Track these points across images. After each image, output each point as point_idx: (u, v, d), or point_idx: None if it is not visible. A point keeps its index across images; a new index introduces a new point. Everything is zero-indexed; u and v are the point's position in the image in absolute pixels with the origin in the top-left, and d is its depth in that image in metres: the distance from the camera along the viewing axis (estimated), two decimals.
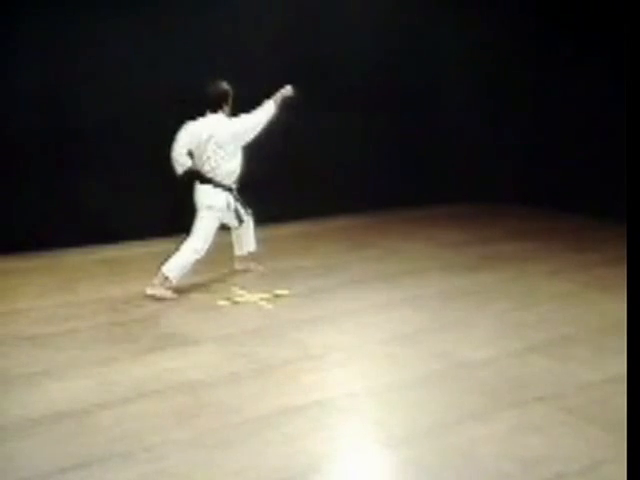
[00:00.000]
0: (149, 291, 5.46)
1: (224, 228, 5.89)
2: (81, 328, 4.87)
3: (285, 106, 5.73)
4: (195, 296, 5.52)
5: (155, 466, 3.11)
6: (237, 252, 6.14)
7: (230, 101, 5.63)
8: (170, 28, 7.22)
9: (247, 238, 6.07)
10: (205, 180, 5.56)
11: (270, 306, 5.26)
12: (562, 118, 8.16)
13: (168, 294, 5.46)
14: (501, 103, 8.52)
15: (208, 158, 5.52)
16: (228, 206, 5.67)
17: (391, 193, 8.50)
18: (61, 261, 6.66)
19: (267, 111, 5.67)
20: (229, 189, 5.65)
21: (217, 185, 5.58)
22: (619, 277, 5.33)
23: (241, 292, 5.54)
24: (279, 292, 5.52)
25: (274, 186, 7.46)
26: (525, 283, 5.69)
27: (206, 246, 5.56)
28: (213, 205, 5.57)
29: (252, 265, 6.17)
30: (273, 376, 4.03)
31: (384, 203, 8.47)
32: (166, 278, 5.47)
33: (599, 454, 3.13)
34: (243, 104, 6.67)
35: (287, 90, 5.74)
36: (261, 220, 6.16)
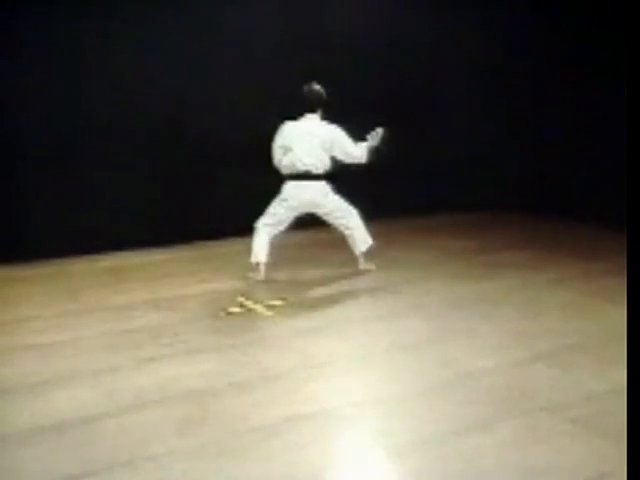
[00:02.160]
0: (361, 267, 6.22)
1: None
2: (85, 336, 4.88)
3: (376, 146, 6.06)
4: (198, 305, 5.52)
5: (159, 475, 3.10)
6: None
7: (324, 106, 5.94)
8: (176, 29, 7.28)
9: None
10: (305, 176, 5.96)
11: (273, 315, 5.26)
12: (566, 126, 8.16)
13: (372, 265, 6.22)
14: (504, 110, 8.53)
15: (304, 154, 5.89)
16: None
17: (394, 201, 8.49)
18: (65, 269, 6.67)
19: (359, 153, 6.04)
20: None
21: (319, 178, 5.97)
22: (624, 286, 5.30)
23: (244, 301, 5.54)
24: (282, 301, 5.52)
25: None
26: (530, 292, 5.68)
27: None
28: (324, 195, 6.03)
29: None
30: (277, 385, 4.02)
31: (387, 212, 8.45)
32: (364, 253, 6.14)
33: (604, 465, 3.11)
34: (243, 106, 6.75)
35: (376, 136, 6.02)
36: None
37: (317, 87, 5.95)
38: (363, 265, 6.26)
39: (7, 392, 4.02)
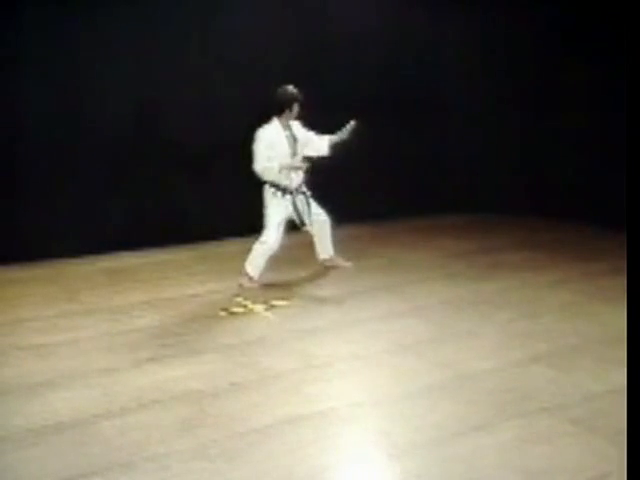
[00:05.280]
0: (240, 280, 5.87)
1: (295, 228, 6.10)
2: (83, 338, 4.87)
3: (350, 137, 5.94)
4: (197, 306, 5.51)
5: (158, 476, 3.09)
6: (320, 257, 6.36)
7: (295, 107, 5.84)
8: (177, 30, 7.28)
9: (323, 243, 6.27)
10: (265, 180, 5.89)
11: (273, 316, 5.25)
12: (566, 128, 8.15)
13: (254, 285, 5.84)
14: (505, 112, 8.52)
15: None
16: (273, 197, 5.91)
17: (394, 203, 8.49)
18: (63, 271, 6.66)
19: (318, 146, 5.98)
20: (289, 190, 5.90)
21: (274, 185, 5.86)
22: (623, 287, 5.30)
23: (244, 302, 5.53)
24: (282, 302, 5.52)
25: None
26: (529, 293, 5.68)
27: (272, 236, 5.82)
28: (264, 197, 5.90)
29: (340, 261, 6.39)
30: (276, 386, 4.02)
31: (387, 213, 8.46)
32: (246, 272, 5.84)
33: (604, 465, 3.10)
34: (242, 107, 6.68)
35: (344, 131, 5.91)
36: (261, 231, 6.17)
37: (283, 89, 5.83)
38: (241, 279, 5.89)
39: (6, 393, 4.01)
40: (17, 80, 6.65)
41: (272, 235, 5.83)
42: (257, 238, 5.92)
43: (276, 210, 5.89)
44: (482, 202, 8.70)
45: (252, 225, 6.68)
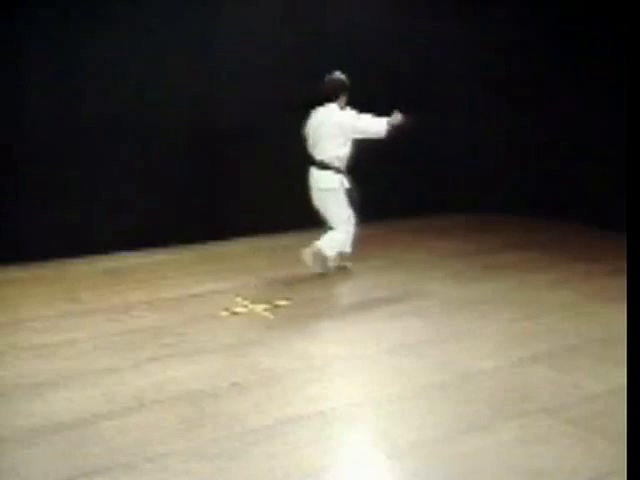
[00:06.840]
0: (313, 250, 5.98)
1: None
2: (83, 338, 4.87)
3: (394, 131, 6.00)
4: (198, 306, 5.51)
5: (158, 477, 3.09)
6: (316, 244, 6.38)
7: (346, 92, 6.02)
8: (177, 28, 7.28)
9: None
10: (318, 164, 5.98)
11: (273, 316, 5.26)
12: (566, 127, 8.15)
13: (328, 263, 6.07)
14: (504, 112, 8.53)
15: (318, 143, 5.95)
16: (342, 186, 6.01)
17: (395, 202, 8.49)
18: (63, 271, 6.66)
19: (377, 127, 5.97)
20: (342, 172, 6.02)
21: (330, 168, 5.96)
22: (623, 288, 5.30)
23: (244, 302, 5.53)
24: (282, 302, 5.52)
25: (273, 197, 7.47)
26: (528, 293, 5.68)
27: (350, 222, 6.07)
28: (330, 187, 5.96)
29: (348, 264, 6.43)
30: (276, 386, 4.02)
31: (387, 213, 8.45)
32: (319, 252, 5.97)
33: (604, 466, 3.10)
34: (243, 108, 6.66)
35: (396, 118, 5.98)
36: (261, 231, 6.17)
37: (336, 76, 6.04)
38: (309, 254, 6.04)
39: (6, 393, 4.01)
40: (17, 80, 6.65)
41: (345, 227, 6.02)
42: (258, 238, 5.90)
43: (343, 202, 6.02)
44: (482, 202, 8.70)
45: (252, 225, 6.70)
